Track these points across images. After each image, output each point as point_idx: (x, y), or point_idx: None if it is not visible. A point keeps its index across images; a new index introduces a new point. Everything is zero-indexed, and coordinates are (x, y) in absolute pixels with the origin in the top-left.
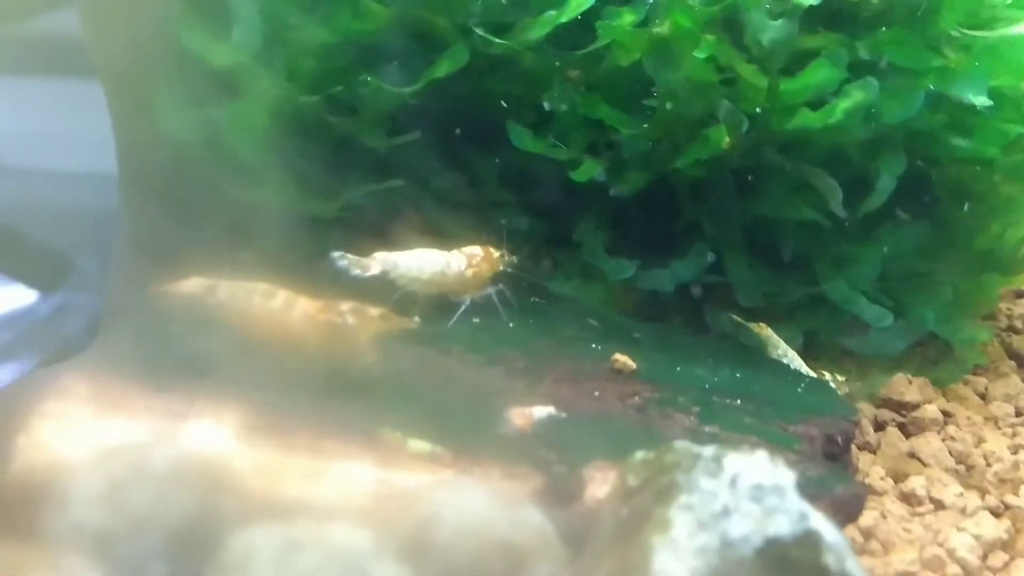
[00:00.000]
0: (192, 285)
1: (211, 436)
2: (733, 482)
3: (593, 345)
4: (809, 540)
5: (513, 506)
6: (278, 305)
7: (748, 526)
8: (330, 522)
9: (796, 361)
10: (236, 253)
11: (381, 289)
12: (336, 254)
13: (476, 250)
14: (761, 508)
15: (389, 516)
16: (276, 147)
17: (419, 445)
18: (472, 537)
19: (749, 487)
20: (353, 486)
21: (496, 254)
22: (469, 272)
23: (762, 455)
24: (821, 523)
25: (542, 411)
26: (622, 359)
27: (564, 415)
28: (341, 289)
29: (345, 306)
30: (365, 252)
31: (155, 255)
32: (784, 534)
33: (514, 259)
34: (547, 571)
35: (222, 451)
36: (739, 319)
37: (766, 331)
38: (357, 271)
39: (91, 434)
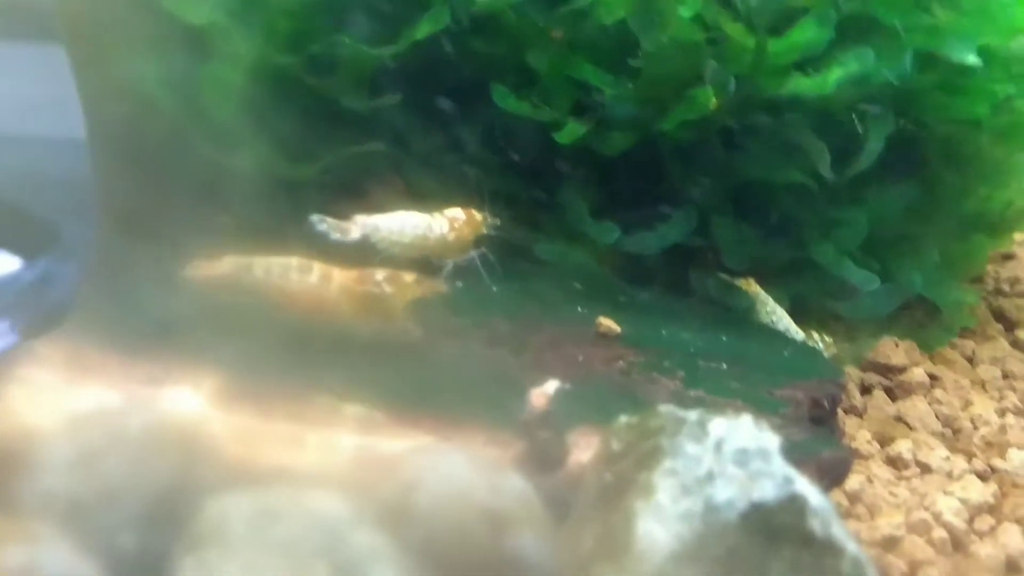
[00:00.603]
0: (226, 265)
1: (188, 403)
2: (718, 446)
3: (577, 309)
4: (794, 505)
5: (495, 472)
6: (315, 279)
7: (733, 491)
8: (308, 489)
9: (785, 319)
10: (213, 218)
11: (359, 254)
12: (315, 217)
13: (458, 212)
14: (746, 472)
15: (369, 483)
16: (253, 108)
17: (398, 411)
18: (453, 503)
19: (734, 451)
20: (333, 453)
21: (479, 216)
22: (451, 235)
23: (747, 419)
24: (806, 487)
25: (553, 385)
26: (606, 323)
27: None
28: (319, 253)
29: (380, 275)
30: (345, 216)
31: (131, 221)
32: (769, 499)
33: (497, 221)
34: (529, 537)
35: (199, 418)
36: (727, 277)
37: (754, 287)
38: (337, 235)
39: (64, 400)
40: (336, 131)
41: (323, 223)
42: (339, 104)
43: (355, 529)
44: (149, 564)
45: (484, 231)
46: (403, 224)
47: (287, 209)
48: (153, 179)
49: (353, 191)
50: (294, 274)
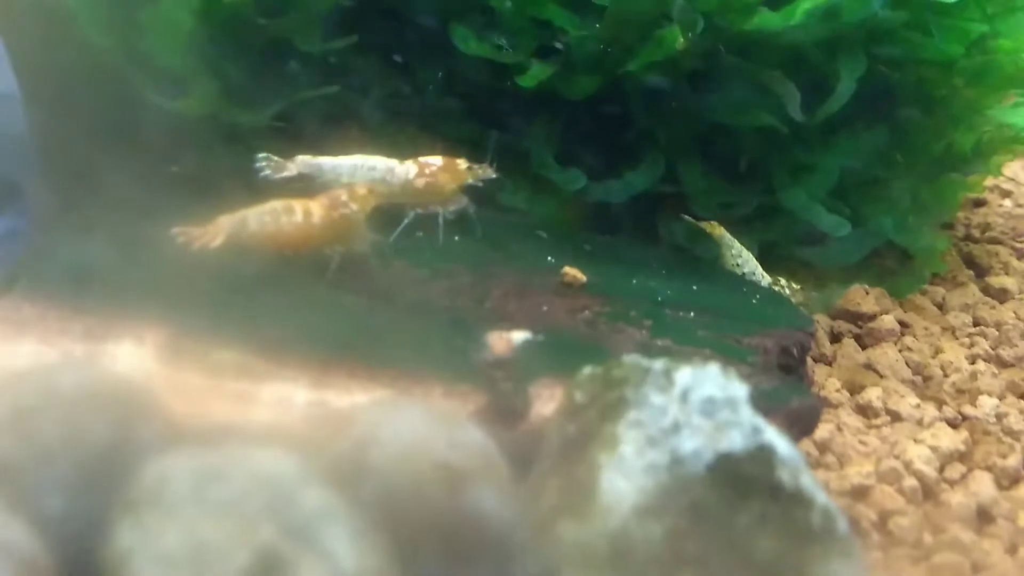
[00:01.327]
0: (222, 225)
1: (129, 360)
2: (684, 396)
3: (543, 258)
4: (762, 455)
5: (453, 425)
6: (300, 217)
7: (699, 441)
8: (255, 447)
9: (751, 262)
10: (160, 169)
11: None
12: (260, 156)
13: (435, 160)
14: (713, 423)
15: (321, 439)
16: (202, 52)
17: (353, 363)
18: (408, 458)
19: (700, 401)
20: (284, 408)
21: (462, 165)
22: (420, 181)
23: (714, 368)
24: (775, 437)
25: (520, 336)
26: (572, 272)
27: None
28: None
29: (343, 195)
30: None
31: (72, 176)
32: (736, 449)
33: (488, 171)
34: (489, 492)
35: (140, 375)
36: (692, 220)
37: (719, 230)
38: (278, 174)
39: None
40: (290, 76)
41: (266, 162)
42: (292, 46)
43: (304, 487)
44: (84, 526)
45: (470, 180)
46: (356, 166)
47: (237, 158)
48: (95, 130)
49: (308, 137)
50: (283, 217)
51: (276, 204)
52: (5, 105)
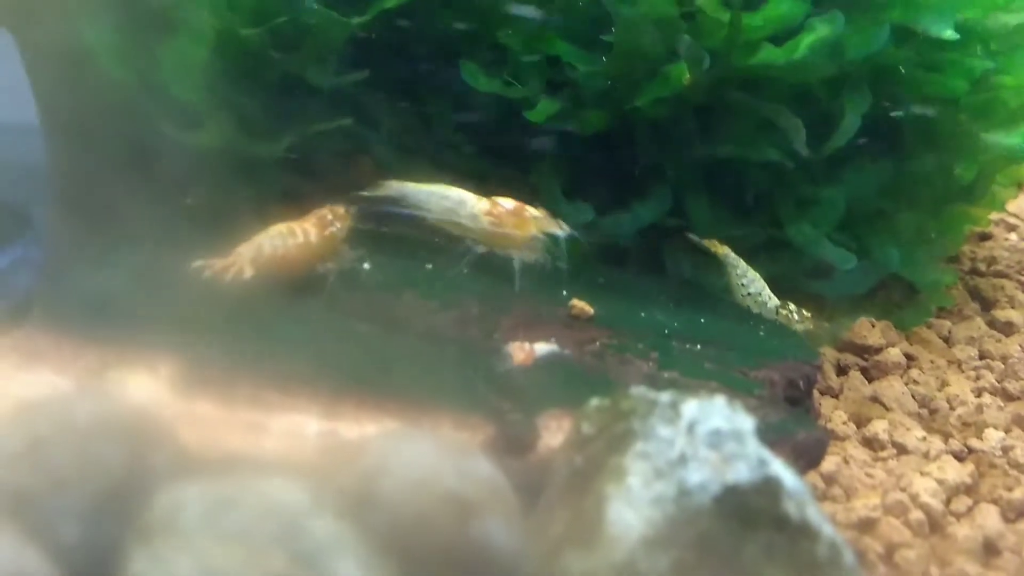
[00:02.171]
0: (243, 253)
1: (144, 390)
2: (690, 428)
3: (551, 290)
4: (768, 487)
5: (462, 456)
6: (300, 238)
7: (706, 473)
8: (266, 477)
9: (758, 283)
10: (174, 201)
11: None
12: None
13: (507, 203)
14: (719, 455)
15: (331, 469)
16: (217, 85)
17: (365, 395)
18: (418, 489)
19: (707, 433)
20: (295, 438)
21: (532, 214)
22: (487, 221)
23: (720, 400)
24: (781, 469)
25: (543, 348)
26: (579, 304)
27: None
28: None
29: (328, 213)
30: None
31: (90, 206)
32: (743, 481)
33: (554, 225)
34: (497, 523)
35: (154, 405)
36: (695, 238)
37: (723, 249)
38: (373, 193)
39: (12, 388)
40: (303, 109)
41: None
42: (306, 82)
43: (315, 517)
44: (98, 555)
45: (533, 231)
46: (433, 193)
47: (251, 190)
48: (111, 161)
49: (322, 171)
50: (289, 239)
51: (280, 227)
52: (26, 136)
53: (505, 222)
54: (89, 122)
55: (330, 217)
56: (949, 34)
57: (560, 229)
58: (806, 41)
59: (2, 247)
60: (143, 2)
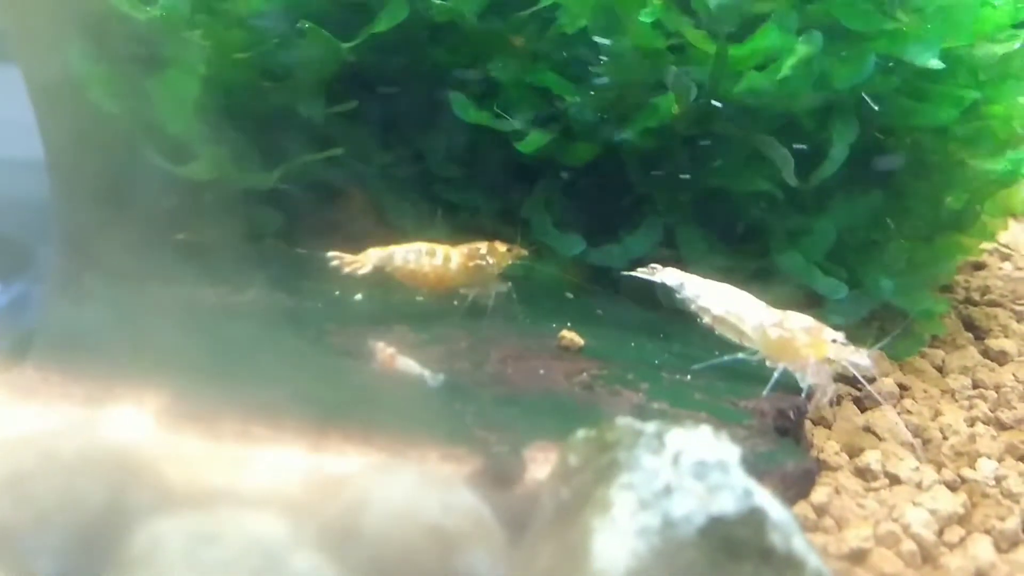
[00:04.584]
0: (372, 257)
1: (128, 423)
2: (675, 459)
3: (540, 322)
4: (754, 518)
5: (446, 489)
6: (439, 260)
7: (691, 504)
8: (247, 511)
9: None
10: (167, 235)
11: None
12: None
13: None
14: (704, 485)
15: (313, 503)
16: (208, 118)
17: (350, 429)
18: (400, 523)
19: (692, 464)
20: (278, 472)
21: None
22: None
23: (705, 430)
24: (767, 500)
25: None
26: (569, 336)
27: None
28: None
29: (483, 247)
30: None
31: (85, 242)
32: (728, 512)
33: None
34: (482, 556)
35: (138, 439)
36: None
37: None
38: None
39: None
40: (294, 142)
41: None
42: (296, 112)
43: (294, 552)
44: None
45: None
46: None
47: (243, 227)
48: (106, 196)
49: (315, 203)
50: (425, 257)
51: (421, 245)
52: (30, 172)
53: (798, 339)
54: (85, 157)
55: (483, 251)
56: (934, 64)
57: (864, 359)
58: (788, 62)
59: (5, 284)
60: (134, 36)
